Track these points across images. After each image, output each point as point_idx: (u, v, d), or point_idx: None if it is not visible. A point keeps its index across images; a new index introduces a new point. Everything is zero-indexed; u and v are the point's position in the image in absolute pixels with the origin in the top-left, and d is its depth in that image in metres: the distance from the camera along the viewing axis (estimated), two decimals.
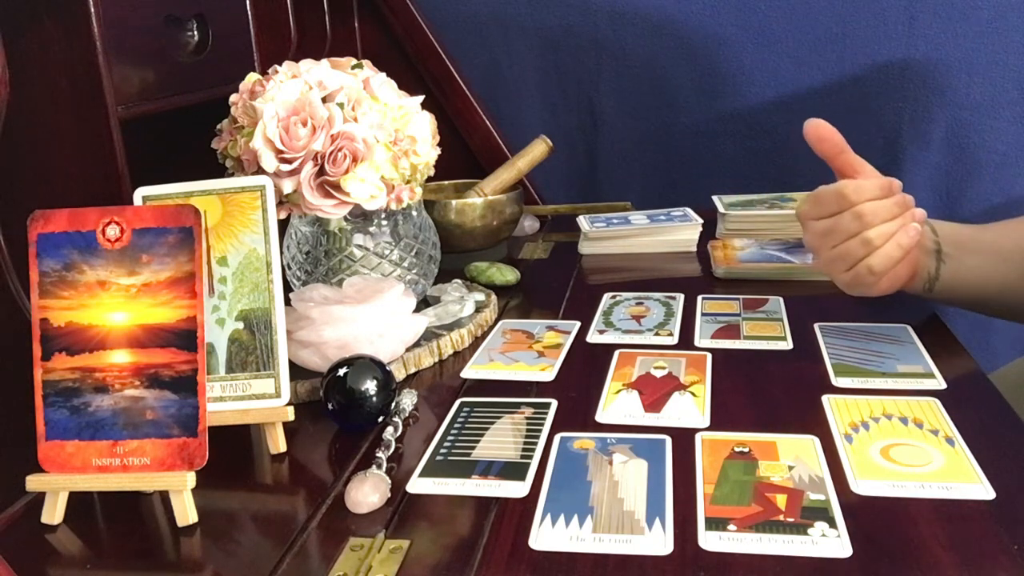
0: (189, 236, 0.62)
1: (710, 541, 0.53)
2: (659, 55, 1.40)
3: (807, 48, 1.35)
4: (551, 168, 1.34)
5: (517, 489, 0.59)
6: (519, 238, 1.24)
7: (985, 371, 0.76)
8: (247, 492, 0.65)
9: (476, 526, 0.56)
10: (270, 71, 0.82)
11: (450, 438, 0.67)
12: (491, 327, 0.91)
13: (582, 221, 1.18)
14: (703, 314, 0.91)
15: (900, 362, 0.76)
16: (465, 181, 1.23)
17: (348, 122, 0.78)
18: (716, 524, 0.54)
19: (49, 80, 0.78)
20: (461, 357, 0.84)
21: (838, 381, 0.74)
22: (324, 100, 0.78)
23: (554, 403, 0.72)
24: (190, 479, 0.58)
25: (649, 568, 0.51)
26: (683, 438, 0.65)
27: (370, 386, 0.70)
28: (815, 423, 0.67)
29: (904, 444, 0.63)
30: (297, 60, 0.83)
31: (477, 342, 0.87)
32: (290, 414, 0.67)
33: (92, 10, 0.77)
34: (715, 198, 1.21)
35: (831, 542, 0.52)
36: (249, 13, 1.06)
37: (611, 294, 0.98)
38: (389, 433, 0.67)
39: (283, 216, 0.79)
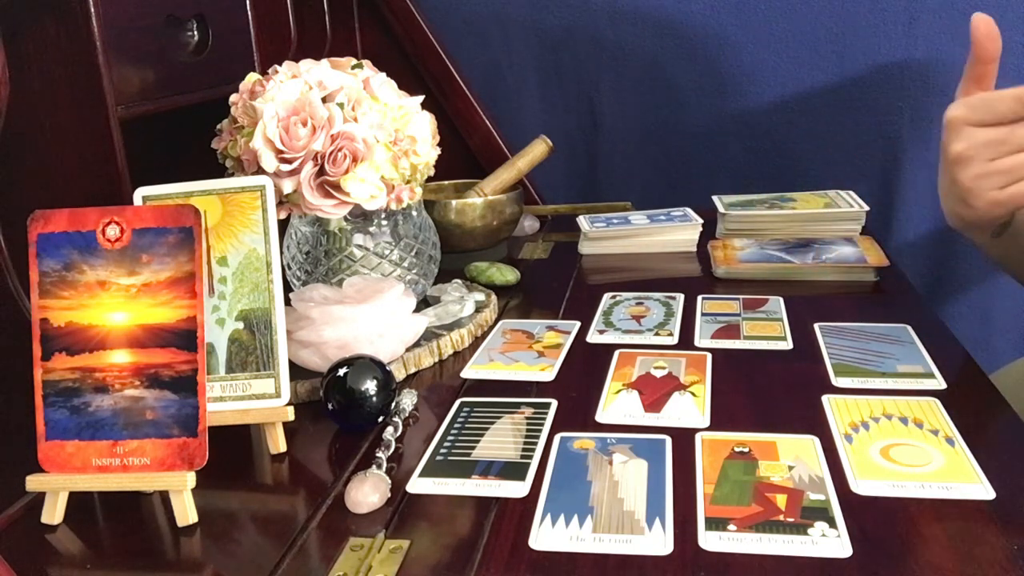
0: (189, 236, 0.62)
1: (710, 541, 0.53)
2: (659, 55, 1.40)
3: (807, 48, 1.35)
4: (551, 168, 1.34)
5: (517, 489, 0.59)
6: (519, 238, 1.24)
7: (985, 371, 0.76)
8: (247, 492, 0.65)
9: (476, 526, 0.56)
10: (270, 71, 0.82)
11: (450, 438, 0.67)
12: (491, 327, 0.91)
13: (582, 221, 1.18)
14: (703, 314, 0.91)
15: (900, 362, 0.76)
16: (465, 181, 1.23)
17: (348, 122, 0.78)
18: (716, 524, 0.54)
19: (49, 80, 0.78)
20: (461, 357, 0.84)
21: (838, 381, 0.74)
22: (324, 100, 0.78)
23: (554, 403, 0.72)
24: (190, 479, 0.58)
25: (649, 568, 0.51)
26: (683, 438, 0.65)
27: (370, 386, 0.70)
28: (815, 423, 0.67)
29: (904, 444, 0.63)
30: (297, 60, 0.83)
31: (477, 342, 0.87)
32: (290, 414, 0.67)
33: (92, 10, 0.76)
34: (715, 198, 1.21)
35: (831, 542, 0.52)
36: (249, 13, 1.06)
37: (611, 294, 0.98)
38: (389, 433, 0.67)
39: (283, 216, 0.79)
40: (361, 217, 0.89)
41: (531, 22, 1.44)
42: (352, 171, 0.77)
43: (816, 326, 0.85)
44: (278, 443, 0.68)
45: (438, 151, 0.88)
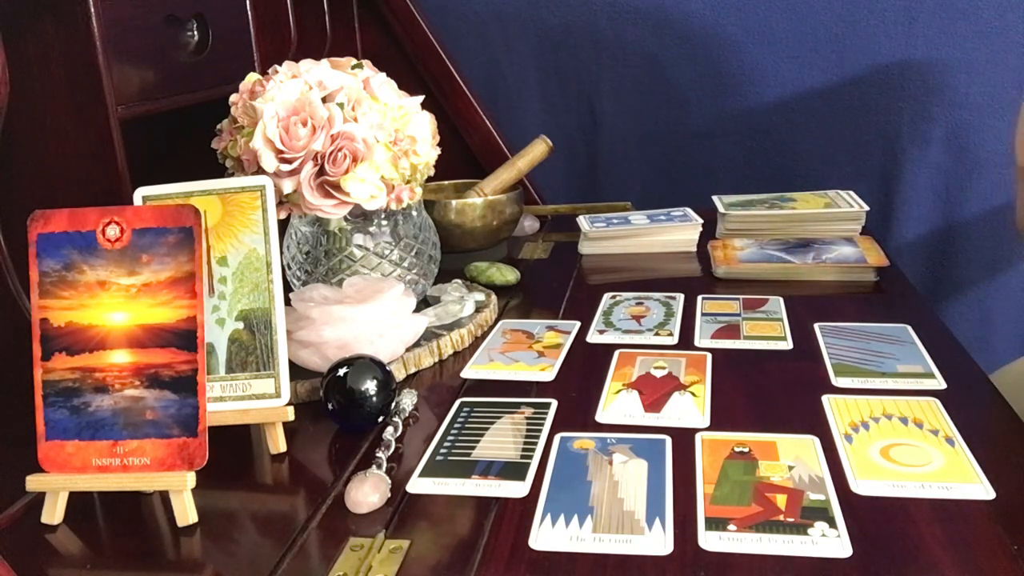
0: (189, 236, 0.62)
1: (710, 541, 0.53)
2: (659, 55, 1.40)
3: (807, 48, 1.35)
4: (551, 168, 1.34)
5: (517, 489, 0.59)
6: (519, 238, 1.24)
7: (985, 371, 0.76)
8: (247, 492, 0.65)
9: (476, 526, 0.56)
10: (270, 71, 0.82)
11: (450, 438, 0.67)
12: (491, 327, 0.91)
13: (582, 221, 1.18)
14: (703, 314, 0.91)
15: (900, 362, 0.76)
16: (465, 181, 1.23)
17: (348, 122, 0.78)
18: (716, 524, 0.54)
19: (49, 80, 0.78)
20: (461, 357, 0.84)
21: (838, 381, 0.74)
22: (324, 100, 0.78)
23: (554, 403, 0.72)
24: (190, 479, 0.58)
25: (649, 568, 0.51)
26: (683, 438, 0.65)
27: (370, 386, 0.70)
28: (815, 423, 0.67)
29: (904, 444, 0.63)
30: (297, 60, 0.83)
31: (477, 342, 0.87)
32: (290, 414, 0.67)
33: (92, 10, 0.76)
34: (715, 198, 1.21)
35: (831, 542, 0.52)
36: (249, 13, 1.06)
37: (611, 294, 0.98)
38: (389, 433, 0.67)
39: (283, 216, 0.79)
40: (361, 217, 0.89)
41: (531, 22, 1.44)
42: (352, 171, 0.77)
43: (816, 326, 0.85)
44: (278, 443, 0.68)
45: (438, 151, 0.88)
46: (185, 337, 0.61)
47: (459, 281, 0.98)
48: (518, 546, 0.53)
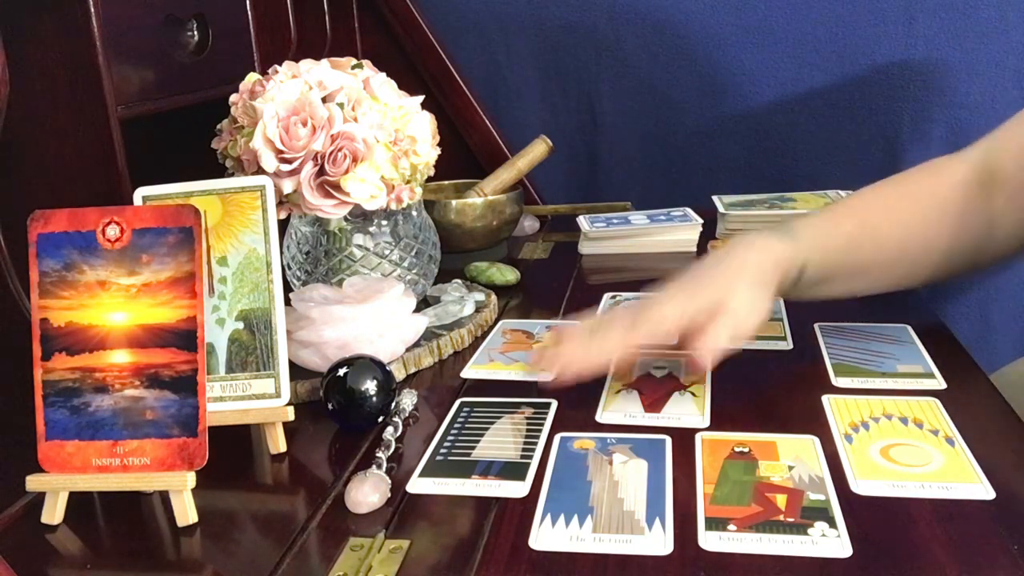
0: (189, 236, 0.62)
1: (710, 541, 0.53)
2: (659, 55, 1.40)
3: (807, 48, 1.35)
4: (551, 168, 1.34)
5: (517, 489, 0.59)
6: (519, 238, 1.24)
7: (985, 371, 0.76)
8: (247, 492, 0.65)
9: (476, 526, 0.56)
10: (270, 71, 0.82)
11: (450, 438, 0.67)
12: (491, 327, 0.91)
13: (582, 221, 1.18)
14: None
15: (900, 362, 0.76)
16: (465, 181, 1.23)
17: (348, 122, 0.78)
18: (716, 524, 0.54)
19: (49, 80, 0.78)
20: (461, 357, 0.84)
21: (838, 381, 0.74)
22: (324, 100, 0.78)
23: (554, 403, 0.72)
24: (190, 479, 0.58)
25: (649, 568, 0.51)
26: (683, 438, 0.65)
27: (370, 386, 0.70)
28: (815, 423, 0.67)
29: (904, 444, 0.63)
30: (297, 60, 0.83)
31: (477, 342, 0.87)
32: (290, 414, 0.67)
33: (92, 10, 0.76)
34: (715, 198, 1.21)
35: (831, 542, 0.52)
36: (249, 13, 1.06)
37: (611, 294, 0.98)
38: (389, 433, 0.67)
39: (283, 216, 0.79)
40: (361, 217, 0.89)
41: (531, 22, 1.44)
42: (352, 171, 0.77)
43: (816, 326, 0.85)
44: (278, 443, 0.68)
45: (438, 151, 0.88)
46: (185, 337, 0.61)
47: (459, 281, 0.98)
48: (518, 546, 0.53)
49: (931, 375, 0.74)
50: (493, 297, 0.95)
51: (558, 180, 1.49)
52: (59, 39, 0.77)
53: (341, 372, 0.70)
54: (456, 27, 1.43)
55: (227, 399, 0.68)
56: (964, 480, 0.58)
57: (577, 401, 0.72)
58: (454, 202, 1.11)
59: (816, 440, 0.64)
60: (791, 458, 0.61)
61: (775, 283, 0.72)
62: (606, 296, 0.98)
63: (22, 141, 0.78)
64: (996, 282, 1.37)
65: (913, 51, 1.31)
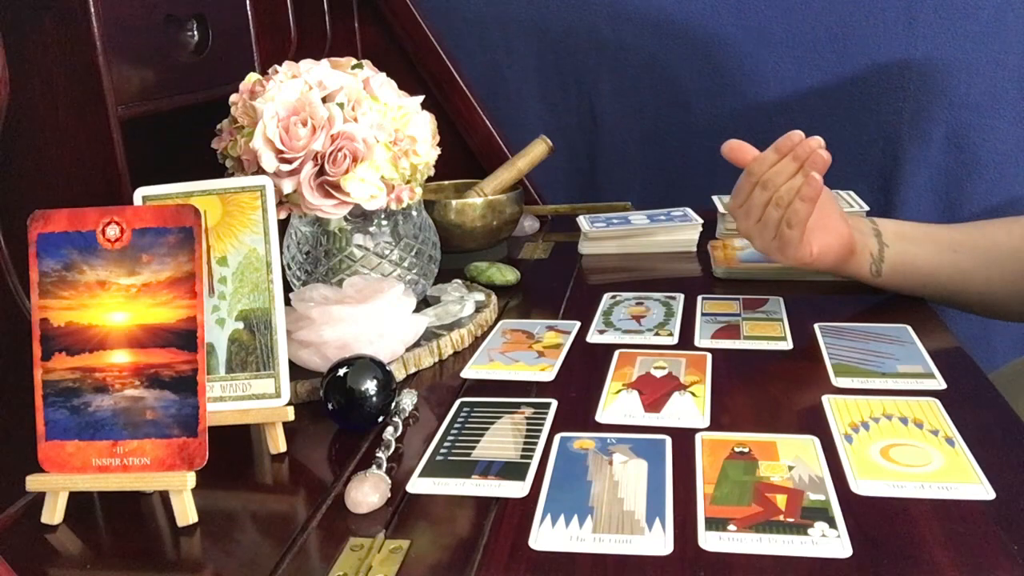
0: (189, 236, 0.62)
1: (710, 541, 0.53)
2: (659, 55, 1.40)
3: (807, 48, 1.35)
4: (551, 168, 1.34)
5: (517, 489, 0.59)
6: (519, 238, 1.24)
7: (985, 371, 0.76)
8: (247, 492, 0.65)
9: (476, 526, 0.56)
10: (270, 71, 0.82)
11: (450, 438, 0.67)
12: (491, 327, 0.91)
13: (582, 221, 1.18)
14: (703, 314, 0.91)
15: (900, 362, 0.76)
16: (465, 181, 1.23)
17: (348, 122, 0.78)
18: (716, 524, 0.54)
19: (49, 80, 0.78)
20: (461, 357, 0.84)
21: (838, 381, 0.74)
22: (324, 100, 0.78)
23: (554, 403, 0.72)
24: (190, 479, 0.58)
25: (649, 568, 0.51)
26: (683, 438, 0.65)
27: (370, 386, 0.70)
28: (815, 423, 0.67)
29: (904, 444, 0.63)
30: (297, 60, 0.83)
31: (477, 342, 0.87)
32: (290, 414, 0.67)
33: (92, 10, 0.77)
34: (715, 198, 1.21)
35: (831, 542, 0.52)
36: (249, 13, 1.06)
37: (611, 294, 0.98)
38: (389, 433, 0.67)
39: (283, 216, 0.79)
40: (361, 217, 0.89)
41: (531, 22, 1.44)
42: (352, 171, 0.77)
43: (816, 326, 0.85)
44: (278, 443, 0.68)
45: (438, 151, 0.88)
46: (185, 337, 0.61)
47: (459, 281, 0.98)
48: (518, 546, 0.53)
49: (931, 375, 0.74)
50: (493, 297, 0.95)
51: (558, 180, 1.49)
52: (59, 39, 0.77)
53: (341, 372, 0.70)
54: (456, 27, 1.44)
55: (227, 399, 0.68)
56: (964, 480, 0.58)
57: (577, 401, 0.72)
58: (454, 202, 1.11)
59: (816, 440, 0.64)
60: (791, 458, 0.61)
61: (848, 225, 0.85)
62: (606, 296, 0.98)
63: (22, 141, 0.78)
64: None
65: (913, 51, 1.31)
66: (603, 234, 1.15)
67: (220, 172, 0.82)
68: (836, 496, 0.57)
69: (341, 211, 0.79)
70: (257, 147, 0.77)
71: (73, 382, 0.60)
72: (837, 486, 0.58)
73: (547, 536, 0.54)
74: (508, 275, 1.03)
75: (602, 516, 0.56)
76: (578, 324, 0.90)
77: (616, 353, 0.82)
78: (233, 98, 0.83)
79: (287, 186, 0.77)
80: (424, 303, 0.93)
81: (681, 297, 0.96)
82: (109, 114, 0.79)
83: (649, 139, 1.46)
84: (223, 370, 0.68)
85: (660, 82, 1.42)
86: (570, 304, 0.97)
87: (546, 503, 0.58)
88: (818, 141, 0.80)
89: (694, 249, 1.14)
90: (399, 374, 0.79)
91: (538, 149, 1.19)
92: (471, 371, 0.80)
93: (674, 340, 0.84)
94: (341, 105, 0.78)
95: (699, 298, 0.95)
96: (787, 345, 0.82)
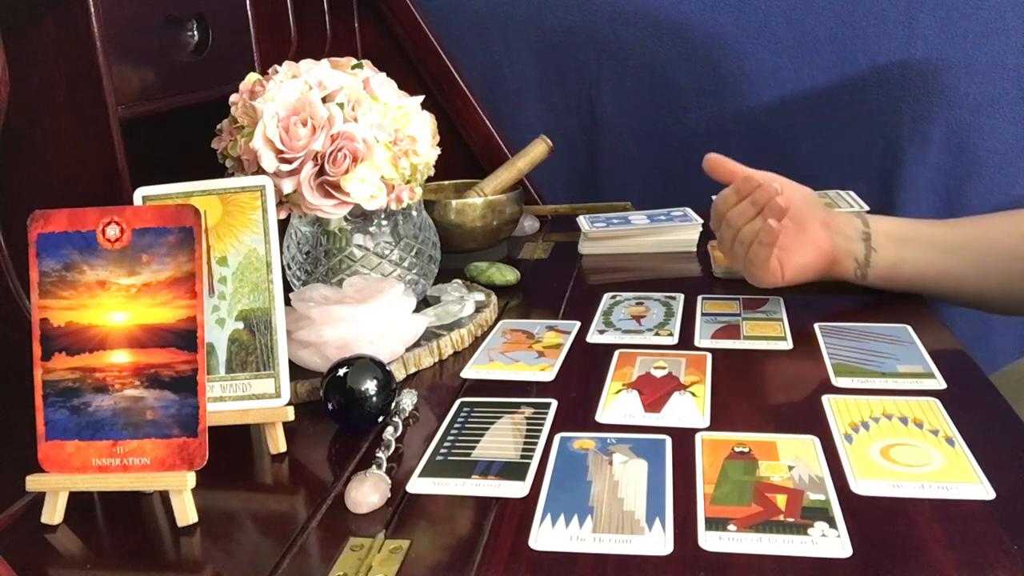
0: (189, 236, 0.62)
1: (710, 541, 0.53)
2: (659, 55, 1.40)
3: (807, 48, 1.35)
4: (551, 168, 1.34)
5: (517, 489, 0.59)
6: (519, 238, 1.24)
7: (985, 371, 0.76)
8: (247, 492, 0.65)
9: (476, 526, 0.56)
10: (270, 71, 0.82)
11: (450, 438, 0.67)
12: (491, 327, 0.91)
13: (582, 221, 1.18)
14: (703, 314, 0.91)
15: (900, 362, 0.76)
16: (465, 181, 1.23)
17: (348, 122, 0.78)
18: (716, 524, 0.54)
19: (49, 80, 0.78)
20: (461, 357, 0.84)
21: (838, 381, 0.74)
22: (324, 100, 0.78)
23: (554, 403, 0.72)
24: (190, 479, 0.58)
25: (649, 568, 0.51)
26: (683, 438, 0.65)
27: (370, 386, 0.70)
28: (815, 423, 0.67)
29: (904, 444, 0.63)
30: (297, 60, 0.83)
31: (477, 342, 0.87)
32: (290, 414, 0.67)
33: (92, 10, 0.77)
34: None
35: (831, 542, 0.52)
36: (249, 13, 1.06)
37: (611, 294, 0.98)
38: (389, 433, 0.67)
39: (283, 216, 0.79)
40: (361, 217, 0.89)
41: (531, 22, 1.44)
42: (352, 171, 0.77)
43: (816, 326, 0.85)
44: (278, 443, 0.68)
45: (438, 151, 0.88)
46: (185, 337, 0.61)
47: (459, 281, 0.98)
48: (518, 546, 0.53)
49: (931, 375, 0.74)
50: (493, 297, 0.95)
51: (558, 180, 1.49)
52: (59, 39, 0.77)
53: (341, 372, 0.70)
54: (456, 27, 1.43)
55: (227, 399, 0.68)
56: (964, 480, 0.58)
57: (577, 401, 0.72)
58: (454, 202, 1.11)
59: (816, 440, 0.64)
60: (791, 458, 0.61)
61: (833, 222, 0.86)
62: (606, 296, 0.98)
63: (22, 141, 0.78)
64: None
65: (913, 51, 1.31)
66: (603, 234, 1.15)
67: (220, 172, 0.82)
68: (836, 496, 0.57)
69: (341, 211, 0.79)
70: (257, 147, 0.77)
71: (73, 382, 0.60)
72: (837, 486, 0.58)
73: (547, 536, 0.54)
74: (508, 275, 1.03)
75: (602, 516, 0.56)
76: (578, 324, 0.90)
77: (616, 353, 0.82)
78: (233, 98, 0.83)
79: (287, 186, 0.77)
80: (424, 303, 0.93)
81: (681, 297, 0.96)
82: (109, 114, 0.79)
83: (649, 139, 1.45)
84: (223, 370, 0.68)
85: (660, 82, 1.42)
86: (570, 304, 0.97)
87: (546, 503, 0.58)
88: (775, 189, 0.82)
89: (694, 249, 1.14)
90: (399, 374, 0.79)
91: (538, 149, 1.19)
92: (471, 371, 0.80)
93: (674, 340, 0.84)
94: (341, 105, 0.78)
95: (699, 298, 0.95)
96: (787, 345, 0.82)
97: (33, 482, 0.60)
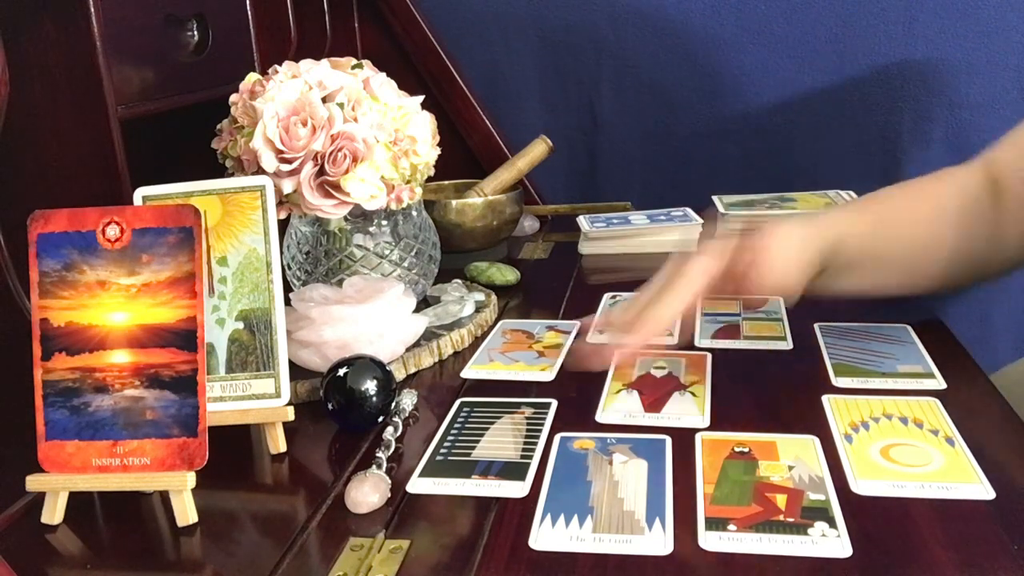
0: (189, 236, 0.62)
1: (710, 541, 0.53)
2: (659, 55, 1.40)
3: (807, 48, 1.35)
4: (551, 168, 1.34)
5: (517, 489, 0.59)
6: (519, 238, 1.24)
7: (985, 371, 0.76)
8: (247, 492, 0.65)
9: (476, 526, 0.56)
10: (270, 71, 0.82)
11: (450, 438, 0.67)
12: (491, 327, 0.91)
13: (582, 221, 1.18)
14: (703, 314, 0.91)
15: (900, 362, 0.76)
16: (465, 181, 1.23)
17: (348, 122, 0.78)
18: (716, 524, 0.54)
19: (49, 80, 0.78)
20: (461, 357, 0.84)
21: (838, 381, 0.74)
22: (324, 100, 0.78)
23: (554, 403, 0.72)
24: (190, 479, 0.58)
25: (649, 568, 0.51)
26: (683, 438, 0.65)
27: (370, 386, 0.70)
28: (815, 423, 0.67)
29: (904, 444, 0.63)
30: (297, 60, 0.83)
31: (477, 342, 0.87)
32: (290, 414, 0.67)
33: (92, 10, 0.76)
34: (715, 198, 1.21)
35: (831, 542, 0.52)
36: (249, 13, 1.06)
37: (611, 294, 0.98)
38: (389, 433, 0.67)
39: (283, 216, 0.79)
40: (361, 217, 0.89)
41: (531, 22, 1.44)
42: (352, 171, 0.77)
43: (816, 326, 0.85)
44: (278, 443, 0.68)
45: (438, 151, 0.88)
46: (185, 337, 0.61)
47: (459, 281, 0.98)
48: (518, 546, 0.53)
49: (931, 375, 0.74)
50: (493, 297, 0.95)
51: (558, 180, 1.49)
52: (59, 39, 0.77)
53: (341, 372, 0.70)
54: (456, 27, 1.43)
55: (227, 399, 0.68)
56: (964, 480, 0.58)
57: (577, 401, 0.72)
58: (454, 202, 1.11)
59: (816, 440, 0.64)
60: (791, 458, 0.61)
61: (805, 255, 0.76)
62: (606, 296, 0.98)
63: (22, 141, 0.78)
64: (996, 282, 1.37)
65: (913, 51, 1.31)
66: (603, 234, 1.15)
67: (220, 172, 0.82)
68: (836, 496, 0.57)
69: (341, 211, 0.79)
70: (257, 147, 0.77)
71: (73, 382, 0.60)
72: (837, 486, 0.58)
73: (547, 536, 0.54)
74: (508, 275, 1.03)
75: (602, 516, 0.56)
76: (578, 324, 0.90)
77: (616, 353, 0.82)
78: (233, 98, 0.83)
79: (287, 186, 0.77)
80: (424, 303, 0.93)
81: None
82: (109, 114, 0.79)
83: (649, 139, 1.45)
84: (223, 370, 0.68)
85: (660, 82, 1.42)
86: (570, 304, 0.97)
87: (546, 503, 0.58)
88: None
89: (694, 249, 1.14)
90: (399, 374, 0.79)
91: (538, 149, 1.19)
92: (471, 371, 0.80)
93: (674, 340, 0.84)
94: (341, 105, 0.78)
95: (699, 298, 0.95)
96: (787, 345, 0.82)
97: (33, 482, 0.60)
